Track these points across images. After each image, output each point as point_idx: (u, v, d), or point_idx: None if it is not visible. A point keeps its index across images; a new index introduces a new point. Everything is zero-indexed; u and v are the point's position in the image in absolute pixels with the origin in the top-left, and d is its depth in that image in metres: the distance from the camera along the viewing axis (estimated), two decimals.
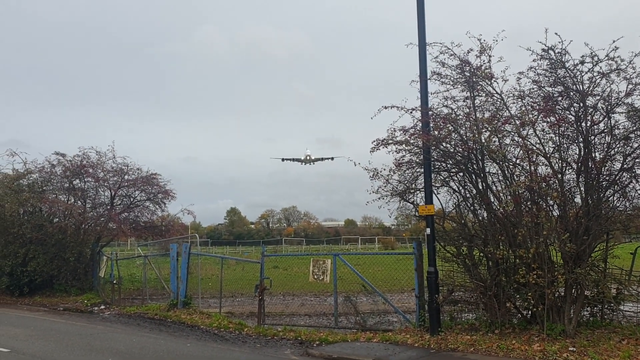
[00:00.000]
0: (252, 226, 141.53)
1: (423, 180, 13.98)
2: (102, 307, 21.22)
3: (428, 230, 13.66)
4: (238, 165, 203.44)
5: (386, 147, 13.95)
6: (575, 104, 12.54)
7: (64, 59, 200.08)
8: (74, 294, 23.95)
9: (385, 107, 13.79)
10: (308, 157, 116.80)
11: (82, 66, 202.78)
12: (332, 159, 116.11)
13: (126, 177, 26.36)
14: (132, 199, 26.86)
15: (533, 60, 12.75)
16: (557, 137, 12.71)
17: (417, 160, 14.15)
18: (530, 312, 12.76)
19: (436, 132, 13.49)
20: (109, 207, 26.09)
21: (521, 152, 12.84)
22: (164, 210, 27.69)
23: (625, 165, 12.27)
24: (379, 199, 14.47)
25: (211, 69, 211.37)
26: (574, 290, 12.14)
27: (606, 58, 12.03)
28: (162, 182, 27.00)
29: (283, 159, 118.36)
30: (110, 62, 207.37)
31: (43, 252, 23.87)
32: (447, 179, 14.41)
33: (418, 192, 14.55)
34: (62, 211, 25.10)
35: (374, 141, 13.93)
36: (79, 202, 25.87)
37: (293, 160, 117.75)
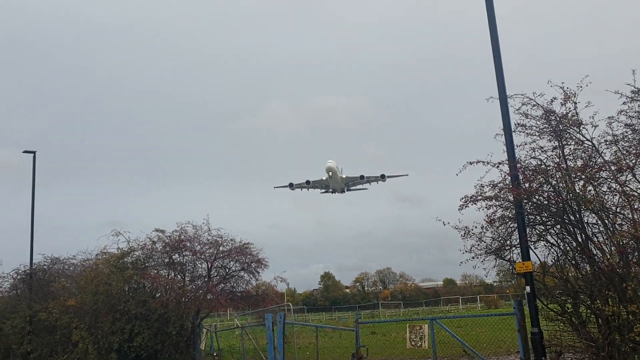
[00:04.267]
0: (347, 290, 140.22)
1: (517, 235, 13.47)
2: None
3: (528, 288, 13.07)
4: (323, 229, 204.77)
5: (475, 203, 13.69)
6: None
7: (154, 140, 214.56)
8: None
9: (470, 163, 13.64)
10: (330, 175, 75.59)
11: (171, 146, 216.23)
12: (384, 177, 77.24)
13: (221, 248, 27.06)
14: (227, 270, 27.47)
15: (623, 104, 12.27)
16: None
17: (510, 215, 13.72)
18: None
19: (526, 185, 13.08)
20: (206, 279, 26.81)
21: (621, 199, 12.10)
22: (257, 279, 28.04)
23: None
24: (473, 258, 14.06)
25: (282, 139, 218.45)
26: None
27: None
28: (255, 251, 27.47)
29: (292, 185, 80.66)
30: (195, 140, 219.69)
31: (147, 327, 24.69)
32: (543, 233, 13.78)
33: (514, 248, 14.00)
34: (163, 286, 26.05)
35: (463, 198, 13.74)
36: (178, 276, 26.78)
37: (309, 186, 79.88)
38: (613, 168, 12.15)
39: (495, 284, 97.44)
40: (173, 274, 26.74)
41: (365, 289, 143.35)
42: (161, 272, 26.82)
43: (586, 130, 12.74)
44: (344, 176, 77.45)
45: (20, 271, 33.84)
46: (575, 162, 12.88)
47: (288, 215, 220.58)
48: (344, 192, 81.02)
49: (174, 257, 26.87)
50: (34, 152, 36.04)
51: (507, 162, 13.54)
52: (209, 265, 26.98)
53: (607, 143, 12.61)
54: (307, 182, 78.90)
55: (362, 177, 77.67)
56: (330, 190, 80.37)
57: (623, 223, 12.05)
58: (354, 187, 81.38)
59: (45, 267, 33.21)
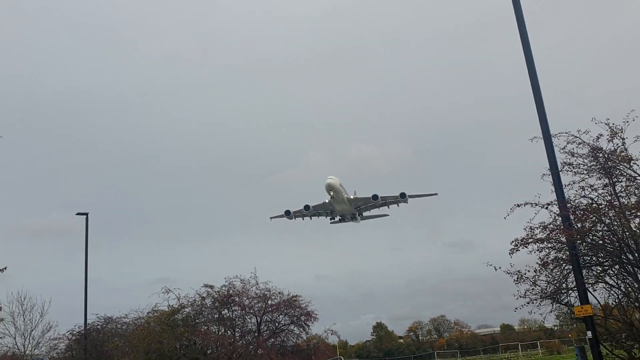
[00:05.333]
0: (401, 340, 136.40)
1: (573, 278, 12.94)
2: None
3: (589, 334, 12.43)
4: (371, 278, 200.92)
5: (526, 246, 13.33)
6: None
7: (199, 196, 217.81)
8: None
9: (518, 205, 13.40)
10: (332, 196, 59.69)
11: (215, 201, 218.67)
12: (404, 197, 59.93)
13: (269, 302, 26.92)
14: (277, 324, 27.22)
15: None
16: None
17: (564, 257, 13.25)
18: None
19: (579, 225, 12.65)
20: (256, 334, 26.58)
21: None
22: (308, 332, 27.67)
23: None
24: (528, 303, 13.57)
25: (322, 188, 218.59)
26: None
27: None
28: (304, 303, 27.22)
29: (289, 213, 63.46)
30: (239, 195, 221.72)
31: None
32: (601, 274, 13.23)
33: (570, 291, 13.44)
34: (214, 342, 25.92)
35: (513, 241, 13.45)
36: (228, 331, 26.65)
37: (309, 213, 63.54)
38: None
39: (555, 327, 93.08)
40: (223, 330, 26.67)
41: (420, 338, 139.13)
42: (211, 328, 26.79)
43: (637, 165, 12.34)
44: (351, 197, 61.83)
45: (75, 332, 34.55)
46: (629, 199, 12.43)
47: (334, 265, 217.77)
48: (357, 219, 64.73)
49: (223, 312, 26.88)
50: (86, 214, 37.27)
51: (556, 202, 13.19)
52: (259, 320, 26.83)
53: None
54: (306, 207, 62.91)
55: (375, 196, 60.66)
56: (338, 217, 64.69)
57: None
58: (369, 214, 65.41)
59: (99, 326, 33.80)
